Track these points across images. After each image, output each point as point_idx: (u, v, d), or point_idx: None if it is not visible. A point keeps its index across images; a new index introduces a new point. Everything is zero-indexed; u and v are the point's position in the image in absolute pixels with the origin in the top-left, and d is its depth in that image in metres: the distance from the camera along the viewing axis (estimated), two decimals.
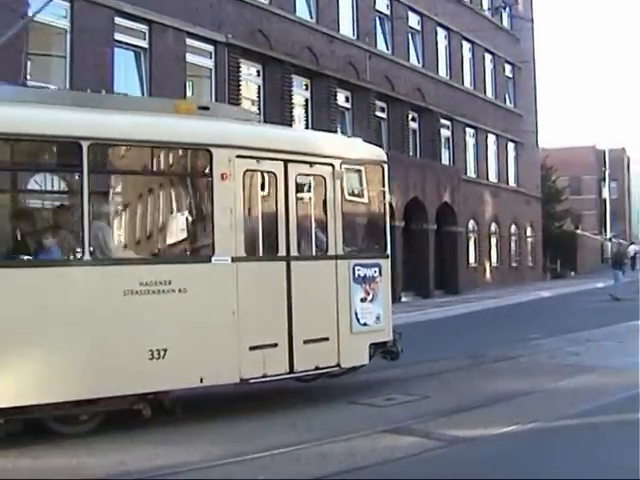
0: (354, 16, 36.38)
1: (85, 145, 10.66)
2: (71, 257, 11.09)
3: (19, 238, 11.23)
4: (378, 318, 13.76)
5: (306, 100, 33.26)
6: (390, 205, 13.70)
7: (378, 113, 37.39)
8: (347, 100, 35.73)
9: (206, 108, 12.95)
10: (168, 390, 11.48)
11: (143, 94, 25.04)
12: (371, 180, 14.18)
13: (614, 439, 10.32)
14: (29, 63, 21.01)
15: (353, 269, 13.40)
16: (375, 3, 37.98)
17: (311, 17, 33.59)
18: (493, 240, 49.11)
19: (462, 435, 10.71)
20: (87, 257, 10.70)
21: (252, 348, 11.95)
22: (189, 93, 27.66)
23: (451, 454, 9.87)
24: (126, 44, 25.37)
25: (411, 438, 10.63)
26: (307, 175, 13.12)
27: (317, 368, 12.85)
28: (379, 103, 37.56)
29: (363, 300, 13.51)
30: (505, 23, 52.30)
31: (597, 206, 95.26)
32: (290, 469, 9.33)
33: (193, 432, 11.13)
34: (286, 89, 31.02)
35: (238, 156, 11.97)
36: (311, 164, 13.07)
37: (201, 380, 11.51)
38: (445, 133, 43.65)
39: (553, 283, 51.71)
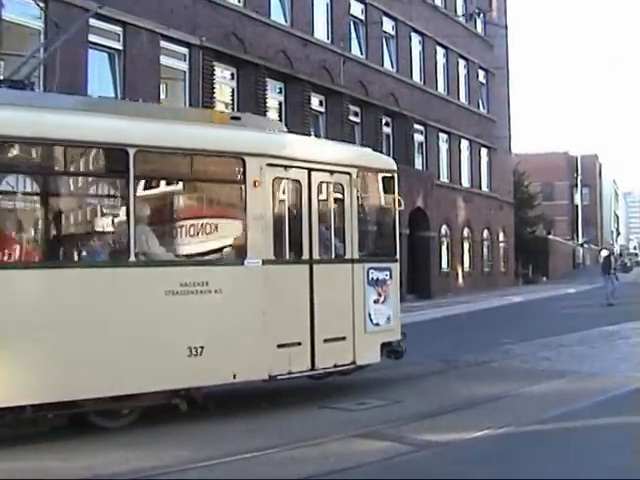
0: (329, 20, 36.41)
1: (132, 152, 11.23)
2: (118, 259, 11.62)
3: (72, 240, 11.74)
4: (389, 319, 14.59)
5: (280, 103, 33.23)
6: None
7: (352, 117, 37.41)
8: (321, 104, 35.73)
9: (237, 118, 13.61)
10: (203, 386, 12.11)
11: (117, 96, 24.93)
12: (383, 188, 14.95)
13: (587, 443, 10.37)
14: (2, 63, 20.90)
15: (367, 272, 14.18)
16: (350, 8, 38.02)
17: (286, 21, 33.57)
18: (465, 245, 49.27)
19: (434, 439, 10.71)
20: (132, 259, 11.30)
21: (279, 346, 12.65)
22: (163, 96, 27.56)
23: (423, 458, 9.87)
24: (100, 46, 25.24)
25: (383, 442, 10.61)
26: (327, 183, 13.87)
27: (335, 365, 13.59)
28: (353, 107, 37.58)
29: (376, 302, 14.31)
30: (479, 29, 52.55)
31: (569, 212, 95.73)
32: (263, 472, 9.30)
33: (163, 436, 11.09)
34: (260, 92, 30.96)
35: (268, 164, 12.67)
36: (331, 172, 13.82)
37: (234, 376, 12.19)
38: (418, 138, 43.73)
39: (525, 288, 51.94)
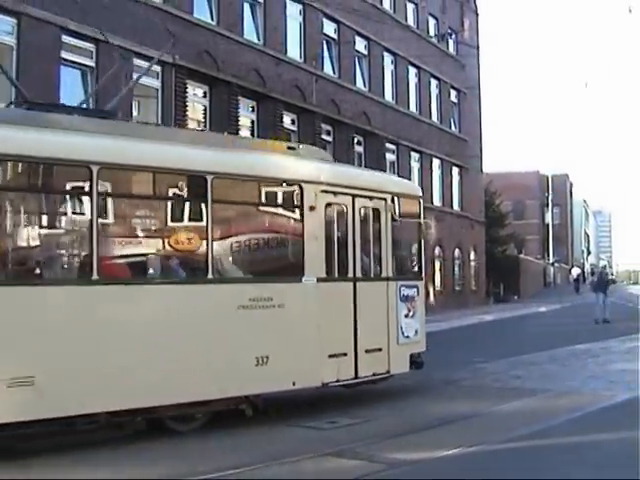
0: (301, 39, 36.52)
1: (209, 179, 12.51)
2: (198, 276, 12.82)
3: (160, 259, 12.78)
4: (416, 332, 16.09)
5: (252, 122, 33.26)
6: None
7: (324, 136, 37.48)
8: (293, 123, 35.78)
9: (293, 148, 15.29)
10: (267, 392, 13.37)
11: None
12: (411, 212, 16.40)
13: (558, 461, 10.39)
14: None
15: (399, 289, 15.70)
16: (323, 27, 38.14)
17: (258, 39, 33.65)
18: (437, 264, 49.37)
19: (405, 458, 10.73)
20: (210, 276, 12.53)
21: (330, 356, 14.01)
22: (135, 113, 27.53)
23: (395, 477, 9.87)
24: (73, 62, 25.20)
25: (355, 461, 10.61)
26: (367, 207, 15.23)
27: (374, 374, 14.95)
28: (325, 126, 37.67)
29: (406, 316, 15.80)
30: (451, 49, 52.80)
31: (540, 231, 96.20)
32: None
33: (131, 453, 11.08)
34: (232, 111, 30.99)
35: (322, 191, 14.12)
36: (370, 198, 15.26)
37: (293, 383, 13.47)
38: (390, 157, 43.85)
39: (496, 307, 52.10)
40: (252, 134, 32.67)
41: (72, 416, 10.95)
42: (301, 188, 13.85)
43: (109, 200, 12.15)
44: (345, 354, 14.33)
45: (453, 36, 51.32)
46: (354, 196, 14.80)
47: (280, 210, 14.44)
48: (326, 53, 38.81)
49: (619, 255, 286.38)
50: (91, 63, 25.66)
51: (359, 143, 40.91)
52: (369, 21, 40.44)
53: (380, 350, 15.04)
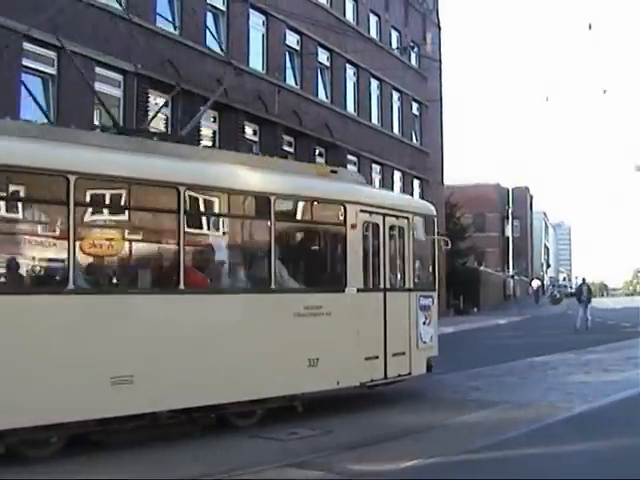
0: (264, 50, 36.50)
1: (272, 199, 14.15)
2: (262, 286, 14.36)
3: (229, 272, 14.71)
4: (431, 338, 18.15)
5: (214, 132, 33.18)
6: None
7: (286, 147, 37.44)
8: (255, 133, 35.73)
9: (335, 172, 17.07)
10: (317, 391, 14.93)
11: (50, 122, 24.70)
12: (427, 229, 18.57)
13: (517, 473, 10.47)
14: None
15: (419, 299, 17.64)
16: (285, 38, 38.15)
17: (221, 50, 33.58)
18: None
19: (364, 469, 10.78)
20: (273, 286, 14.17)
21: (366, 359, 15.75)
22: (97, 122, 27.37)
23: None
24: (34, 70, 25.03)
25: (315, 472, 10.66)
26: (394, 225, 17.07)
27: (399, 375, 16.81)
28: (287, 137, 37.64)
29: (424, 323, 17.73)
30: (413, 62, 52.99)
31: (500, 243, 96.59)
32: None
33: (96, 463, 11.05)
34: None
35: (361, 210, 15.90)
36: (397, 217, 17.13)
37: (338, 383, 15.17)
38: (352, 169, 43.80)
39: (456, 319, 52.21)
40: (213, 144, 32.61)
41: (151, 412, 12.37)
42: (345, 208, 15.59)
43: (192, 218, 13.56)
44: (377, 357, 16.09)
45: (415, 49, 51.56)
46: (384, 215, 16.72)
47: (327, 227, 16.19)
48: (288, 64, 38.82)
49: (578, 268, 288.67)
50: (52, 71, 25.48)
51: (320, 155, 40.88)
52: (332, 33, 40.52)
53: (404, 354, 16.88)
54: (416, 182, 52.15)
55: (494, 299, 75.68)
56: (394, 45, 49.62)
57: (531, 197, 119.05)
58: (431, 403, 16.75)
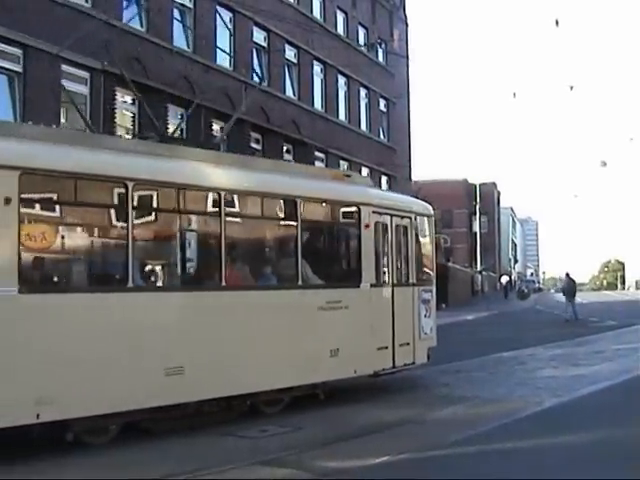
0: (231, 47, 36.42)
1: (299, 202, 15.53)
2: (290, 282, 15.59)
3: (261, 270, 15.74)
4: (431, 329, 19.40)
5: (182, 129, 33.03)
6: None
7: (253, 144, 37.39)
8: (222, 130, 35.62)
9: (348, 176, 18.63)
10: (337, 379, 16.36)
11: (16, 119, 24.56)
12: (427, 229, 19.87)
13: (488, 468, 10.49)
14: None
15: (421, 293, 18.93)
16: (252, 35, 38.10)
17: (188, 47, 33.52)
18: None
19: (335, 466, 10.78)
20: (301, 282, 15.46)
21: (378, 349, 17.04)
22: (63, 120, 27.22)
23: None
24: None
25: (285, 470, 10.65)
26: (399, 225, 18.37)
27: (405, 364, 18.07)
28: (254, 134, 37.58)
29: (425, 316, 18.99)
30: (380, 59, 53.04)
31: (468, 239, 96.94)
32: None
33: (58, 461, 11.01)
34: (161, 118, 30.78)
35: (373, 211, 17.20)
36: (402, 217, 18.46)
37: (355, 371, 16.56)
38: (319, 165, 43.85)
39: None
40: (181, 140, 32.48)
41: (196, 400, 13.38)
42: (359, 209, 16.90)
43: (232, 221, 14.56)
44: (387, 347, 17.35)
45: (383, 46, 51.61)
46: (392, 215, 18.02)
47: (344, 227, 17.61)
48: (256, 61, 38.76)
49: (545, 263, 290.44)
50: (18, 68, 25.31)
51: (288, 151, 40.88)
52: (299, 30, 40.51)
53: (408, 344, 18.13)
54: (384, 178, 52.21)
55: (462, 295, 75.86)
56: (361, 42, 49.69)
57: (498, 193, 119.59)
58: (401, 399, 16.77)
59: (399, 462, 10.88)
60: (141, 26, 30.76)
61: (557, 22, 33.08)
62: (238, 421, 13.85)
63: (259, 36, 38.78)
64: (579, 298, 46.28)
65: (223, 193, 14.05)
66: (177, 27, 33.14)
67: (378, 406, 15.79)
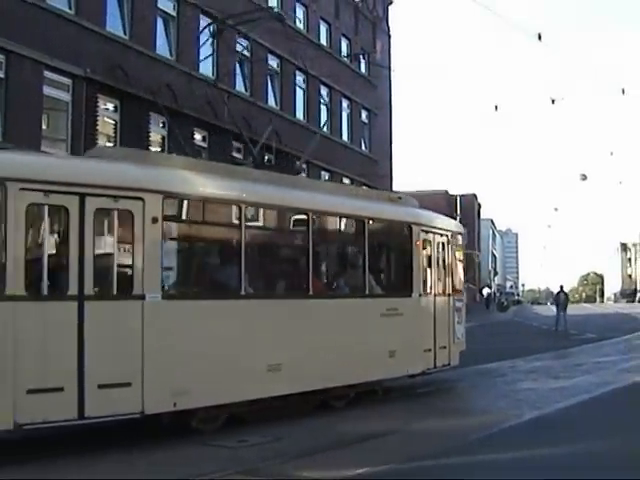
0: (214, 56, 36.38)
1: (367, 222, 17.74)
2: (359, 292, 17.72)
3: (336, 280, 18.03)
4: (462, 335, 21.54)
5: (163, 138, 32.97)
6: None
7: (235, 154, 37.33)
8: (204, 139, 35.58)
9: (400, 198, 20.49)
10: (393, 377, 18.75)
11: None
12: (458, 244, 22.09)
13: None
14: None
15: (454, 302, 21.15)
16: (235, 44, 38.06)
17: (171, 55, 33.47)
18: None
19: (314, 477, 10.78)
20: (367, 292, 17.68)
21: (424, 351, 19.14)
22: (44, 127, 27.15)
23: None
24: None
25: None
26: (439, 242, 20.57)
27: (443, 365, 20.07)
28: (236, 144, 37.50)
29: (457, 322, 21.19)
30: (363, 70, 53.07)
31: None
32: None
33: (36, 469, 10.91)
34: (143, 126, 30.74)
35: (422, 230, 19.51)
36: (441, 235, 20.72)
37: (407, 371, 18.86)
38: (301, 176, 43.73)
39: None
40: (162, 150, 32.43)
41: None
42: (411, 228, 19.18)
43: (317, 239, 16.54)
44: (430, 350, 19.37)
45: (365, 57, 51.64)
46: (434, 233, 20.23)
47: (399, 244, 19.62)
48: (238, 70, 38.73)
49: (525, 275, 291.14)
50: (0, 74, 25.22)
51: (270, 161, 40.72)
52: (282, 39, 40.47)
53: (445, 347, 20.11)
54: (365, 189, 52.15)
55: None
56: (344, 52, 49.70)
57: (479, 205, 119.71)
58: (381, 410, 16.74)
59: (379, 473, 10.86)
60: (124, 33, 30.69)
61: (540, 36, 32.85)
62: (217, 431, 13.79)
63: (242, 45, 38.71)
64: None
65: (311, 214, 16.29)
66: (160, 35, 33.08)
67: (358, 417, 15.77)
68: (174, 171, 14.10)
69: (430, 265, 19.96)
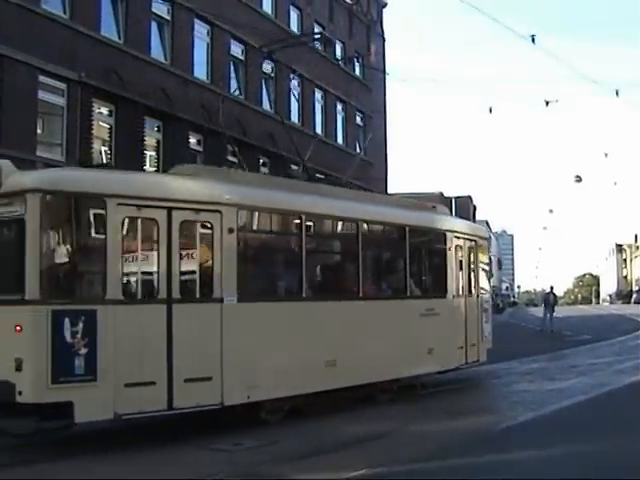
0: (208, 60, 36.40)
1: (407, 230, 19.14)
2: (401, 293, 19.16)
3: (380, 284, 19.14)
4: (489, 333, 23.15)
5: (158, 142, 32.97)
6: None
7: (229, 157, 37.30)
8: (199, 143, 35.57)
9: (435, 207, 22.18)
10: (431, 372, 20.17)
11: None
12: (485, 248, 23.97)
13: None
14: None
15: (482, 303, 22.73)
16: (230, 48, 38.08)
17: (165, 59, 33.46)
18: None
19: (311, 479, 10.72)
20: (409, 294, 19.16)
21: (458, 348, 20.69)
22: (39, 131, 27.15)
23: None
24: None
25: None
26: (469, 247, 22.20)
27: (473, 362, 21.69)
28: (231, 147, 37.50)
29: (485, 322, 22.71)
30: (357, 73, 53.07)
31: None
32: None
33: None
34: (138, 130, 30.75)
35: (454, 236, 21.16)
36: (470, 240, 22.30)
37: (442, 366, 20.24)
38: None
39: None
40: (158, 154, 32.46)
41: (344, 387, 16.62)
42: (445, 235, 20.78)
43: (365, 247, 17.79)
44: (462, 347, 20.87)
45: (360, 60, 51.64)
46: (465, 239, 21.89)
47: (435, 249, 20.87)
48: (233, 74, 38.75)
49: (520, 277, 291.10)
50: None
51: (264, 165, 40.83)
52: (276, 43, 40.41)
53: (474, 345, 21.60)
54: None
55: None
56: (338, 56, 49.68)
57: (474, 207, 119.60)
58: (376, 412, 16.73)
59: (376, 474, 10.89)
60: (119, 38, 30.70)
61: (533, 39, 32.87)
62: (212, 434, 13.79)
63: (236, 49, 38.76)
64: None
65: (360, 223, 17.76)
66: (154, 39, 33.08)
67: (352, 419, 15.70)
68: (246, 186, 15.70)
69: (461, 268, 21.56)
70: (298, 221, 16.21)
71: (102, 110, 29.88)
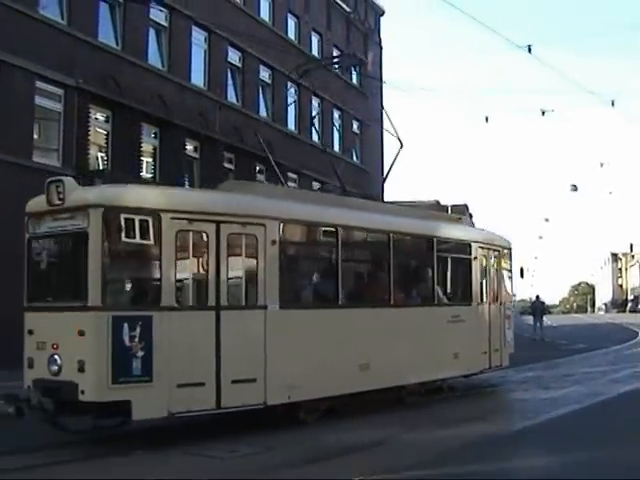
0: (205, 67, 36.45)
1: (435, 240, 19.96)
2: (429, 301, 19.95)
3: (411, 292, 19.95)
4: (511, 339, 23.72)
5: (154, 148, 33.00)
6: None
7: (226, 164, 37.36)
8: (196, 150, 35.61)
9: (460, 219, 22.98)
10: (456, 376, 20.92)
11: None
12: (507, 258, 24.25)
13: None
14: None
15: (504, 310, 23.25)
16: (227, 55, 38.13)
17: (163, 66, 33.50)
18: None
19: None
20: (436, 302, 20.00)
21: (482, 353, 21.32)
22: (36, 136, 27.17)
23: None
24: None
25: None
26: (493, 256, 22.93)
27: (496, 366, 22.28)
28: (227, 154, 37.54)
29: (507, 328, 23.33)
30: (354, 81, 53.09)
31: None
32: None
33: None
34: (135, 136, 30.76)
35: (479, 247, 21.92)
36: (494, 250, 23.05)
37: (468, 370, 20.95)
38: (292, 186, 43.72)
39: None
40: (154, 161, 32.49)
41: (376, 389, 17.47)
42: (470, 245, 21.52)
43: (395, 257, 18.43)
44: (485, 352, 21.48)
45: (357, 68, 51.65)
46: (488, 249, 22.62)
47: (461, 259, 21.35)
48: (230, 81, 38.78)
49: (516, 285, 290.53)
50: None
51: (261, 172, 40.82)
52: (273, 50, 40.52)
53: (497, 350, 22.22)
54: None
55: None
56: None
57: (470, 215, 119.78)
58: (372, 420, 16.62)
59: None
60: (116, 44, 30.74)
61: (530, 49, 32.94)
62: (207, 440, 13.78)
63: (234, 56, 38.81)
64: (549, 321, 46.76)
65: (391, 235, 18.37)
66: (152, 45, 33.12)
67: (347, 427, 15.61)
68: (287, 201, 16.73)
69: (485, 277, 22.29)
70: (334, 233, 17.01)
71: (99, 116, 29.92)
